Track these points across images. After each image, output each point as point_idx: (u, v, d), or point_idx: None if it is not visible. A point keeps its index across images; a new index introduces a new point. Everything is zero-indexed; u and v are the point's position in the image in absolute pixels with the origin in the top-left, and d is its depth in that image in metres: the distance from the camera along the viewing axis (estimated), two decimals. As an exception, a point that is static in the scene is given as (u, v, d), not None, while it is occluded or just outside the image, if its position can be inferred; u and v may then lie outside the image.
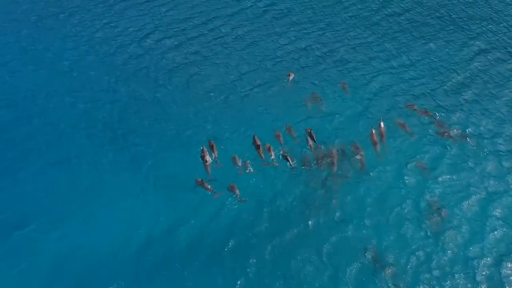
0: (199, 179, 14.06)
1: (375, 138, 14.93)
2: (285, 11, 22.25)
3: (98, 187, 14.26)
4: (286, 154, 14.60)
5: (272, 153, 14.64)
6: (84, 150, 15.39)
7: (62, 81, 18.26)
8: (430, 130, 15.59)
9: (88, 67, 18.93)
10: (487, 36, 20.04)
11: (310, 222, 13.14)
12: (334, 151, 14.79)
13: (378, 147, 14.78)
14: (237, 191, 13.81)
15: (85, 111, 16.90)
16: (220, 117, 16.50)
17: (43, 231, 13.05)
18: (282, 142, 15.13)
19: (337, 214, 13.27)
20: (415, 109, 16.31)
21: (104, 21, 21.66)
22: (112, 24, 21.43)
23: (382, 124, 15.30)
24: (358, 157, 14.61)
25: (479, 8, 21.94)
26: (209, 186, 13.94)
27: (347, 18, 21.68)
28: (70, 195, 14.01)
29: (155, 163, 14.95)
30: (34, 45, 20.14)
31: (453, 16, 21.49)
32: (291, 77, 17.97)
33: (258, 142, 14.95)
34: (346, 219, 13.13)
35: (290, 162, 14.42)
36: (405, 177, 14.10)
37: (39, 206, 13.72)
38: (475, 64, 18.51)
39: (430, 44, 19.70)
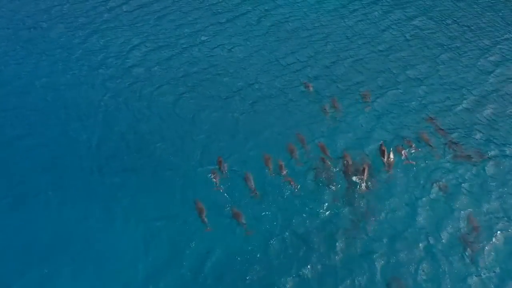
0: (200, 205, 12.90)
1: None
2: (283, 20, 21.17)
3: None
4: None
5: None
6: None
7: (30, 103, 16.78)
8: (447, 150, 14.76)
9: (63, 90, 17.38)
10: (502, 49, 19.18)
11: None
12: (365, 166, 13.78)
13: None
14: (243, 220, 12.45)
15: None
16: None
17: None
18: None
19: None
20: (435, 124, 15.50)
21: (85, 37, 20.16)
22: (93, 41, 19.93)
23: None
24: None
25: (490, 19, 21.08)
26: (205, 218, 12.60)
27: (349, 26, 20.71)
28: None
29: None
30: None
31: (464, 27, 20.61)
32: (310, 88, 16.77)
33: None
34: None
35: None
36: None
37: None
38: (491, 79, 17.64)
39: (443, 56, 18.81)
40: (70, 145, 15.30)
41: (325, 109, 16.10)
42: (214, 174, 13.74)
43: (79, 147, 15.17)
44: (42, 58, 18.90)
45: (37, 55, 19.08)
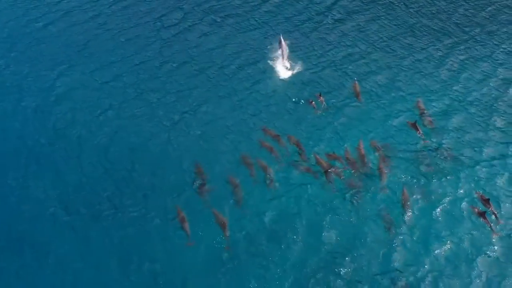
0: (182, 215, 12.94)
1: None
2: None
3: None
4: None
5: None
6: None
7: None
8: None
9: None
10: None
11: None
12: None
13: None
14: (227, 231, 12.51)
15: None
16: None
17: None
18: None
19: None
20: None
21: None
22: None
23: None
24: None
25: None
26: (187, 228, 12.66)
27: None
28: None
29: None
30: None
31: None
32: (321, 100, 16.55)
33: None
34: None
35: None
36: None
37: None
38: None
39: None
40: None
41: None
42: None
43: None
44: None
45: None
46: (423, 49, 19.70)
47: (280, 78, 18.25)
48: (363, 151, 14.76)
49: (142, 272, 12.44)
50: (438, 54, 19.44)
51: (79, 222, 13.59)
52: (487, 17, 21.56)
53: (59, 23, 21.17)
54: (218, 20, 21.30)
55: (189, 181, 14.46)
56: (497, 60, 19.15)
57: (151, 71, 18.77)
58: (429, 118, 16.13)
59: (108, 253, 12.88)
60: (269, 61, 18.94)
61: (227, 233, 12.58)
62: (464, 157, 15.11)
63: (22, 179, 14.70)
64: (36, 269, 12.57)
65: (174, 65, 18.99)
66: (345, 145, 15.32)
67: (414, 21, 21.29)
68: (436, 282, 12.13)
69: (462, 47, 19.79)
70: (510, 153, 15.29)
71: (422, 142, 15.39)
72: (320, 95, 16.86)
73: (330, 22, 21.15)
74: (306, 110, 16.78)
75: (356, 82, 17.57)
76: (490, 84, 17.97)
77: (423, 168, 14.67)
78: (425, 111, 16.37)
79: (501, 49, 19.64)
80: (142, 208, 13.86)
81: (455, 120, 16.41)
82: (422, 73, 18.47)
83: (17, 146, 15.74)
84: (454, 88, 17.78)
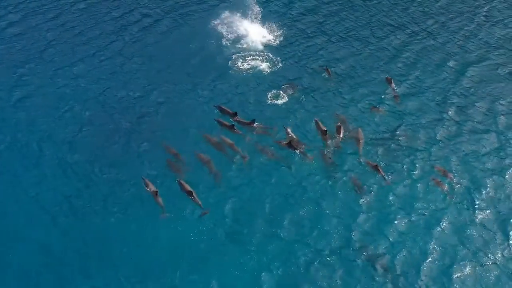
0: (154, 190, 13.31)
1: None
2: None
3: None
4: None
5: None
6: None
7: None
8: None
9: None
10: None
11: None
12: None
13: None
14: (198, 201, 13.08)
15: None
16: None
17: None
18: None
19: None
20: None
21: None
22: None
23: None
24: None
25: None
26: (161, 201, 13.05)
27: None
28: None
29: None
30: None
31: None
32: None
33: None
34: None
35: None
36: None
37: None
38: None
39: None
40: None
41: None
42: None
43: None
44: None
45: None
46: (378, 41, 20.42)
47: (241, 70, 18.66)
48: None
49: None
50: (394, 45, 20.17)
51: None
52: (440, 10, 22.50)
53: (18, 25, 20.93)
54: (178, 18, 21.54)
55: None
56: (450, 50, 20.02)
57: (112, 69, 18.78)
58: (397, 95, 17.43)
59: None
60: (228, 55, 19.34)
61: (197, 200, 13.11)
62: (421, 136, 15.95)
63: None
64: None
65: (135, 65, 19.06)
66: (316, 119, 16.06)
67: (372, 14, 22.07)
68: (399, 252, 12.66)
69: (417, 38, 20.62)
70: (460, 132, 16.23)
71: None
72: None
73: (291, 16, 21.78)
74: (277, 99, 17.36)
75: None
76: (443, 73, 18.77)
77: (385, 146, 15.47)
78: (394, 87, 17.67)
79: (454, 40, 20.54)
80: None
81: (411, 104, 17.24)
82: (378, 63, 19.17)
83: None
84: (409, 78, 18.48)
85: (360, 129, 15.67)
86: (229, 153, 14.88)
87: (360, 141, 15.19)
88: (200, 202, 13.22)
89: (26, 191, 14.16)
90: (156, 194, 13.24)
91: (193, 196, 13.23)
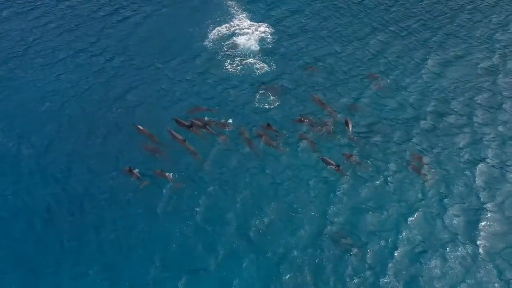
0: (127, 168, 14.18)
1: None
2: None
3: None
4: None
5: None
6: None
7: None
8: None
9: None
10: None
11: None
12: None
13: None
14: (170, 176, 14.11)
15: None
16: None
17: None
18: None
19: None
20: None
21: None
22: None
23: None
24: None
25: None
26: (137, 173, 14.03)
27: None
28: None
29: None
30: None
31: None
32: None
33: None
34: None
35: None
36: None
37: None
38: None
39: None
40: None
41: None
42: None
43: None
44: None
45: None
46: (359, 40, 20.56)
47: (225, 69, 18.79)
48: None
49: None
50: (376, 44, 20.29)
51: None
52: (422, 10, 22.66)
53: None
54: (159, 19, 21.68)
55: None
56: (431, 48, 20.16)
57: (93, 69, 18.83)
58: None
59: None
60: (212, 54, 19.48)
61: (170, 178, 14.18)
62: (400, 126, 16.43)
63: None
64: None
65: (116, 64, 19.11)
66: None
67: (355, 13, 22.24)
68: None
69: (399, 37, 20.77)
70: (438, 126, 16.55)
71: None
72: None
73: (275, 16, 21.93)
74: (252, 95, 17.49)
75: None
76: (423, 70, 18.92)
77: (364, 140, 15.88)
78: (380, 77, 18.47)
79: (434, 39, 20.70)
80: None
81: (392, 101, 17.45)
82: (360, 61, 19.29)
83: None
84: (391, 74, 18.61)
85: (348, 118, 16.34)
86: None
87: (350, 125, 15.96)
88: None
89: (3, 190, 14.18)
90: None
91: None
